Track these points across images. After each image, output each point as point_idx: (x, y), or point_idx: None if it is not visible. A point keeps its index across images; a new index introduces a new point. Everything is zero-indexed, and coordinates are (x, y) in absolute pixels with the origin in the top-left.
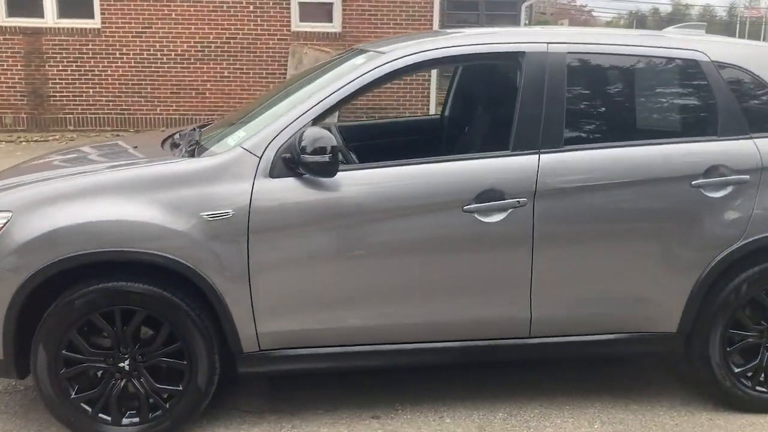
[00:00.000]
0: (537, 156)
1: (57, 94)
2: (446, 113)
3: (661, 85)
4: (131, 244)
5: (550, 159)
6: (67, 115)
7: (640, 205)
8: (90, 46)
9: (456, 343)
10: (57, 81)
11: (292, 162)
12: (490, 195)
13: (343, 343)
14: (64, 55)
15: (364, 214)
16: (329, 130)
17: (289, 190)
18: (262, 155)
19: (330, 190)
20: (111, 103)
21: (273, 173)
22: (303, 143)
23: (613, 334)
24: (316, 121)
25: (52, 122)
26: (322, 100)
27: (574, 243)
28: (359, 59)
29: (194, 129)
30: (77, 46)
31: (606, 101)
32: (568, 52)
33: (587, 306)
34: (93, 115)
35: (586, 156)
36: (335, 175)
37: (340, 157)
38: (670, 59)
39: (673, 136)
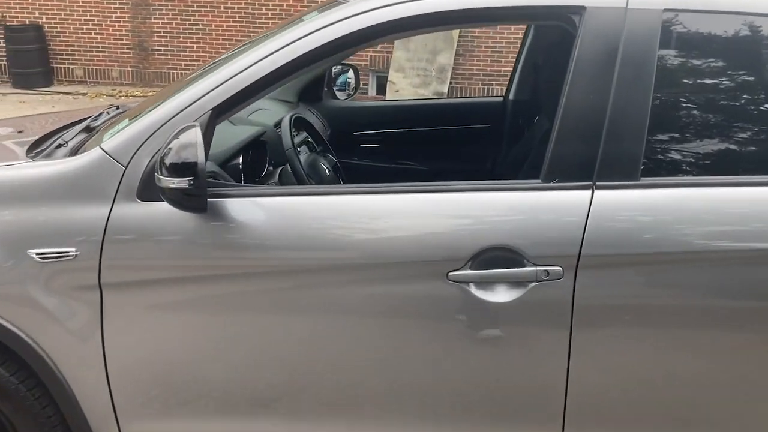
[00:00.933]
0: (589, 192)
1: (162, 48)
2: (509, 96)
3: None
4: None
5: (612, 199)
6: (171, 71)
7: None
8: None
9: None
10: (162, 34)
11: None
12: (496, 257)
13: None
14: (169, 7)
15: (278, 274)
16: (290, 119)
17: (163, 221)
18: (128, 164)
19: (225, 226)
20: (213, 59)
21: (142, 193)
22: (168, 150)
23: None
24: (220, 113)
25: (155, 77)
26: (226, 80)
27: (644, 343)
28: (312, 14)
29: (113, 108)
30: None
31: (730, 101)
32: (666, 9)
33: None
34: None
35: (684, 196)
36: (204, 209)
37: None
38: None
39: None
